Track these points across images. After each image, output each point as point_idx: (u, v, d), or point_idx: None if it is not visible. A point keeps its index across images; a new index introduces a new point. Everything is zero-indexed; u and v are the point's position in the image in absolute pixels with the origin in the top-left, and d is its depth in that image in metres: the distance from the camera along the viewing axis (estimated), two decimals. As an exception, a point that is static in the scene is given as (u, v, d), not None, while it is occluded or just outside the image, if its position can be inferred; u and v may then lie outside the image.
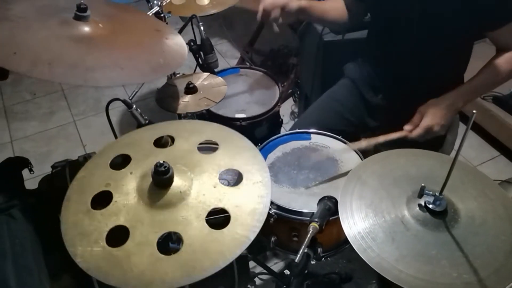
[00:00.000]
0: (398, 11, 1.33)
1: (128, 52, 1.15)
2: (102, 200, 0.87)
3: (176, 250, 0.80)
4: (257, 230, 0.82)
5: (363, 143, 1.30)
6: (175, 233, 0.82)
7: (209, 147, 1.03)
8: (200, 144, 1.00)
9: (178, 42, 1.28)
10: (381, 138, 1.28)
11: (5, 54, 0.96)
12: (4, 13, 1.07)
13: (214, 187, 0.89)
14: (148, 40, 1.25)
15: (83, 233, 0.82)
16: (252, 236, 0.81)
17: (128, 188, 0.89)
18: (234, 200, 0.87)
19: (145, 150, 0.98)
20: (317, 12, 1.49)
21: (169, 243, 0.94)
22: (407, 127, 1.29)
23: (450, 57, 1.35)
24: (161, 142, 1.02)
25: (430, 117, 1.26)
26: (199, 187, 0.89)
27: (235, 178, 1.06)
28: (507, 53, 1.27)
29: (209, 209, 0.85)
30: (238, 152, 0.99)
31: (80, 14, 1.12)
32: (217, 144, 1.00)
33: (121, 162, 0.95)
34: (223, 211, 0.86)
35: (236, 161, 0.96)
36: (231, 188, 0.90)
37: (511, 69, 1.27)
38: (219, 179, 0.91)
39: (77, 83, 1.01)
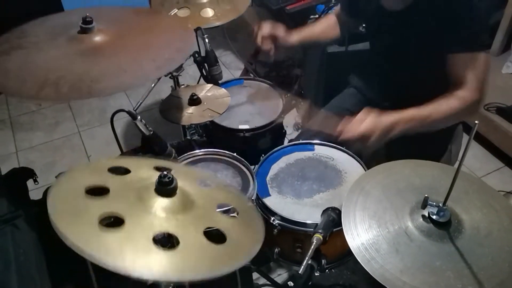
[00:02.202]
0: (390, 29, 1.36)
1: (134, 54, 1.16)
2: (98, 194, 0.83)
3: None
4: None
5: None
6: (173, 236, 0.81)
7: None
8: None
9: (184, 31, 1.28)
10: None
11: (16, 83, 1.00)
12: (18, 41, 1.12)
13: (213, 211, 0.90)
14: (155, 36, 1.25)
15: (72, 212, 0.77)
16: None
17: (127, 190, 0.86)
18: (231, 228, 0.87)
19: (144, 169, 0.96)
20: (312, 38, 1.60)
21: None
22: (344, 124, 1.18)
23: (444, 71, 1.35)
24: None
25: (372, 124, 1.15)
26: (199, 208, 0.88)
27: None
28: (458, 91, 1.22)
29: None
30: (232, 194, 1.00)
31: (85, 26, 1.14)
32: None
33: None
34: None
35: (233, 201, 0.97)
36: (228, 217, 0.91)
37: (456, 107, 1.21)
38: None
39: (81, 98, 1.03)
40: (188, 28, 1.29)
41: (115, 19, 1.26)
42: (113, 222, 0.78)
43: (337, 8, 1.63)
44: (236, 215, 0.93)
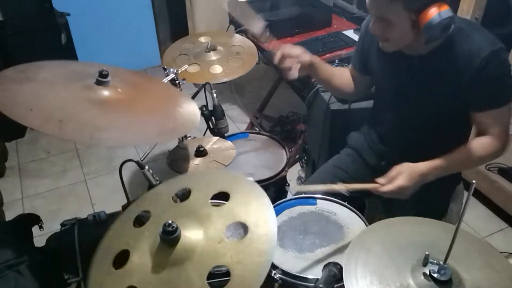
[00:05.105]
0: (398, 85, 1.41)
1: (140, 116, 1.20)
2: (123, 258, 0.90)
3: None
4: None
5: (340, 186, 1.33)
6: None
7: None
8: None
9: (191, 111, 1.32)
10: (357, 186, 1.34)
11: (23, 111, 1.01)
12: (35, 75, 1.15)
13: (219, 243, 0.90)
14: (163, 107, 1.31)
15: None
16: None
17: (143, 246, 0.92)
18: (237, 256, 0.88)
19: (163, 205, 1.02)
20: (325, 72, 1.57)
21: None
22: (381, 181, 1.29)
23: (451, 127, 1.40)
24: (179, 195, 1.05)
25: (407, 178, 1.26)
26: (205, 243, 0.91)
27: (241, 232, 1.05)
28: (484, 137, 1.31)
29: (211, 267, 0.86)
30: (248, 203, 1.00)
31: (101, 79, 1.18)
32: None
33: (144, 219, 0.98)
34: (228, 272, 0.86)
35: (244, 213, 0.97)
36: (235, 242, 0.91)
37: (483, 154, 1.30)
38: (226, 232, 0.93)
39: (82, 141, 1.05)
40: (195, 112, 1.33)
41: (130, 81, 1.31)
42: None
43: (350, 67, 1.65)
44: (245, 233, 0.93)
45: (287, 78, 1.45)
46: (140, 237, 0.94)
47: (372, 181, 1.31)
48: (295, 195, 1.51)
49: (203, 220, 0.95)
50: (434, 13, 1.15)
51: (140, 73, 1.43)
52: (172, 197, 1.03)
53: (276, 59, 1.44)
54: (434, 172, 1.29)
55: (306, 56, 1.47)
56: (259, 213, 0.96)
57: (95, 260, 0.93)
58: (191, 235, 0.92)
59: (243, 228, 0.97)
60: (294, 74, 1.43)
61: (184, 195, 1.02)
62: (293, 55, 1.44)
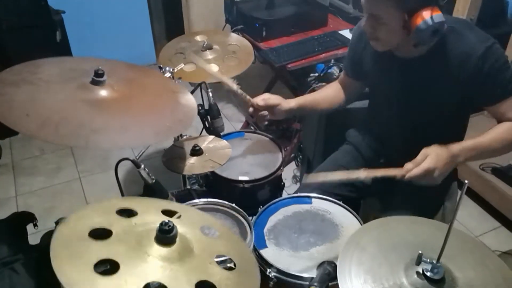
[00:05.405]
0: (393, 87, 1.42)
1: (138, 115, 1.19)
2: (101, 237, 0.86)
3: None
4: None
5: (362, 173, 1.27)
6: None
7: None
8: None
9: (189, 104, 1.32)
10: (380, 172, 1.27)
11: (18, 116, 1.01)
12: (31, 76, 1.14)
13: (210, 263, 0.91)
14: (161, 102, 1.30)
15: (72, 255, 0.80)
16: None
17: (130, 234, 0.89)
18: (225, 281, 0.88)
19: (152, 213, 0.99)
20: (310, 106, 1.62)
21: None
22: (408, 165, 1.24)
23: (448, 126, 1.41)
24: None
25: (434, 160, 1.20)
26: (196, 258, 0.90)
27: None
28: (507, 122, 1.30)
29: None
30: (235, 245, 1.02)
31: (97, 79, 1.17)
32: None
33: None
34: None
35: (233, 253, 0.98)
36: (224, 270, 0.91)
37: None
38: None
39: (78, 145, 1.04)
40: (192, 104, 1.33)
41: (126, 77, 1.30)
42: (110, 267, 0.80)
43: (341, 74, 1.67)
44: (233, 266, 0.93)
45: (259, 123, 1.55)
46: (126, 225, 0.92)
47: (398, 166, 1.26)
48: (307, 185, 1.51)
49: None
50: (426, 16, 1.16)
51: (137, 67, 1.42)
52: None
53: (249, 110, 1.52)
54: (465, 154, 1.26)
55: (283, 105, 1.52)
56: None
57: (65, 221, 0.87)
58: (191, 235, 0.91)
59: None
60: (265, 121, 1.54)
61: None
62: (269, 105, 1.50)
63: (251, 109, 1.53)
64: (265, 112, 1.52)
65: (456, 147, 1.26)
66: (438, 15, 1.16)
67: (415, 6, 1.17)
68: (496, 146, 1.29)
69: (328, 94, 1.67)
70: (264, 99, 1.51)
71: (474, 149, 1.28)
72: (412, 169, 1.21)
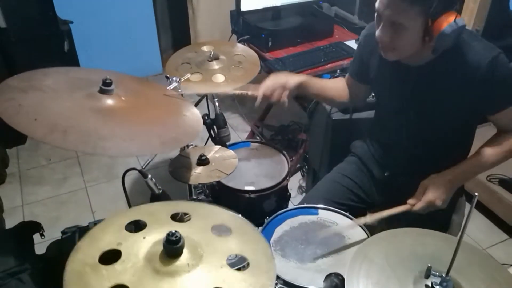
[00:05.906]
0: (400, 96, 1.42)
1: (144, 125, 1.20)
2: (111, 258, 0.87)
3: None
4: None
5: (368, 218, 1.32)
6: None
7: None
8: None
9: (193, 117, 1.33)
10: (386, 213, 1.31)
11: (27, 121, 1.01)
12: (39, 83, 1.15)
13: (221, 267, 0.90)
14: (166, 116, 1.31)
15: (85, 285, 0.81)
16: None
17: (139, 251, 0.90)
18: (238, 284, 0.87)
19: (161, 220, 1.00)
20: (316, 87, 1.59)
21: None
22: (410, 201, 1.33)
23: (454, 137, 1.41)
24: (177, 218, 1.04)
25: (432, 192, 1.29)
26: (206, 264, 0.90)
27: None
28: (507, 134, 1.33)
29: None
30: (248, 240, 1.00)
31: (105, 88, 1.18)
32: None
33: (134, 229, 0.97)
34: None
35: (246, 249, 0.97)
36: (236, 272, 0.90)
37: (508, 150, 1.33)
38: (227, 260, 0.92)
39: (86, 151, 1.04)
40: (198, 119, 1.33)
41: (133, 88, 1.31)
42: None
43: (347, 76, 1.66)
44: (246, 266, 0.92)
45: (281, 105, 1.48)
46: (135, 242, 0.93)
47: (403, 202, 1.34)
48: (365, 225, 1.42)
49: (206, 243, 0.94)
50: (451, 20, 1.15)
51: (143, 80, 1.43)
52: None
53: (257, 102, 1.47)
54: (462, 176, 1.33)
55: (293, 80, 1.49)
56: (260, 252, 0.97)
57: (76, 250, 0.89)
58: (194, 252, 0.91)
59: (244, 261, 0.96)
60: (284, 103, 1.47)
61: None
62: (277, 86, 1.46)
63: (260, 97, 1.47)
64: (278, 94, 1.46)
65: (452, 172, 1.32)
66: (460, 19, 1.16)
67: (440, 10, 1.15)
68: (493, 160, 1.34)
69: (338, 86, 1.66)
70: (267, 86, 1.47)
71: (471, 171, 1.35)
72: (415, 203, 1.31)
